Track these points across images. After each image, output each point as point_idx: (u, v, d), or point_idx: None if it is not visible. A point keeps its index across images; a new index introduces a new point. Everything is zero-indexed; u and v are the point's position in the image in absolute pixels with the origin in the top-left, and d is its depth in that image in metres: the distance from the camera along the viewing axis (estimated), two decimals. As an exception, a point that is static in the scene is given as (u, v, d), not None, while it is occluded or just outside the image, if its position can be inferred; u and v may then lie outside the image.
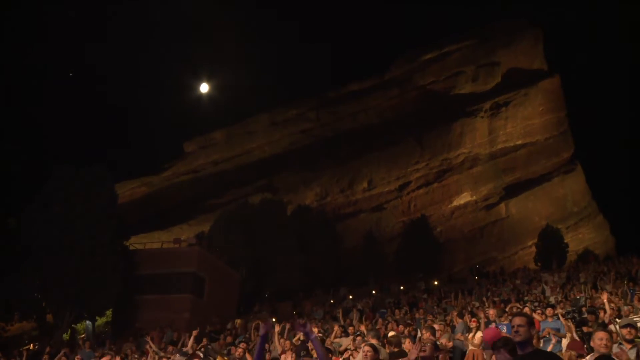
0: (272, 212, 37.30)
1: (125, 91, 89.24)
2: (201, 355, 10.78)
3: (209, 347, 12.02)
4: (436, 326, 9.93)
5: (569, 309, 12.18)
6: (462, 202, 62.16)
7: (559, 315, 10.47)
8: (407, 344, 8.73)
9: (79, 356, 14.10)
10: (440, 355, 6.82)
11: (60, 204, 23.98)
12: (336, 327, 12.97)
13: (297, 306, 31.94)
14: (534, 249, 50.24)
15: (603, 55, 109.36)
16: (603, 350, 5.59)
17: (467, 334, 10.48)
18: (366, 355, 5.59)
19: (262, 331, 4.55)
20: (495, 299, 17.99)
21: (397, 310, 18.64)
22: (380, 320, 15.32)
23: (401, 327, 12.76)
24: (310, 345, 9.28)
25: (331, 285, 38.49)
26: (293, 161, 60.29)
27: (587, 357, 6.91)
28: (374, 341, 8.04)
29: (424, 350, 5.46)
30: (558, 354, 6.50)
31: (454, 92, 67.25)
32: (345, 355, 9.61)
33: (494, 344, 4.74)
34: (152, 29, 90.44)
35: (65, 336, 24.54)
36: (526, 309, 12.04)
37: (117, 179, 36.08)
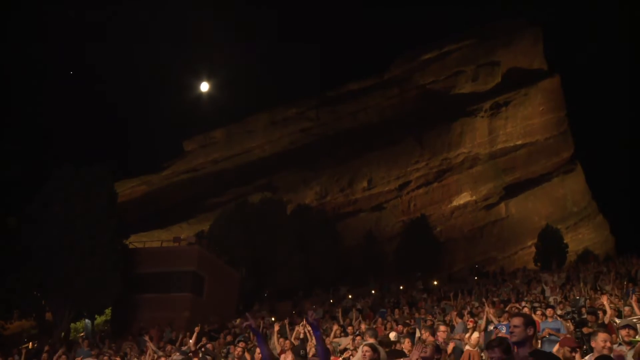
0: (271, 212, 37.30)
1: (125, 90, 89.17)
2: (200, 354, 10.79)
3: (207, 347, 12.01)
4: (442, 327, 9.91)
5: (569, 309, 12.19)
6: (462, 201, 62.18)
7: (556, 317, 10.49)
8: (406, 344, 8.72)
9: (79, 357, 14.09)
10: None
11: (60, 203, 23.99)
12: (336, 327, 12.98)
13: (297, 305, 31.93)
14: (533, 249, 50.25)
15: (603, 55, 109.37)
16: (605, 352, 5.58)
17: (464, 334, 10.48)
18: (365, 355, 5.59)
19: (244, 324, 4.56)
20: (495, 299, 17.98)
21: (396, 310, 18.63)
22: (380, 319, 15.32)
23: (400, 327, 12.76)
24: (309, 345, 9.27)
25: (331, 284, 38.50)
26: (293, 160, 60.30)
27: (587, 357, 6.91)
28: (371, 340, 8.04)
29: (425, 352, 5.45)
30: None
31: (454, 91, 67.27)
32: (345, 355, 9.61)
33: (488, 343, 4.75)
34: (152, 29, 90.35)
35: (72, 336, 24.59)
36: (526, 309, 12.04)
37: (117, 177, 36.08)
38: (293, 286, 35.84)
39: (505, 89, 66.57)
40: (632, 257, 30.56)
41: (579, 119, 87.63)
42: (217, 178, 60.87)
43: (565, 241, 48.72)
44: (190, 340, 12.54)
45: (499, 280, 31.97)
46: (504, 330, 9.44)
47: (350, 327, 13.38)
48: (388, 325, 13.49)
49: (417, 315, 16.64)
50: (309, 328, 12.04)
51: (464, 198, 62.25)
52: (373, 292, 35.23)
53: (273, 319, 22.01)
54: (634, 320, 9.58)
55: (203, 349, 11.25)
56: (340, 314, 18.62)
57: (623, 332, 7.45)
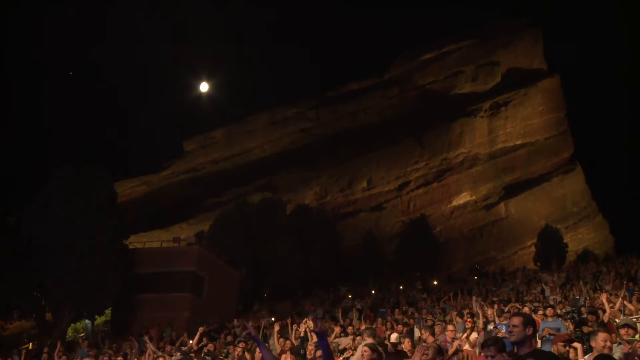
0: (271, 212, 37.31)
1: (125, 90, 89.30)
2: (202, 354, 10.81)
3: (209, 348, 12.02)
4: (450, 327, 9.94)
5: (569, 309, 12.21)
6: (461, 201, 62.18)
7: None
8: (406, 344, 8.74)
9: (79, 357, 14.12)
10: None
11: (60, 203, 24.02)
12: (336, 327, 12.99)
13: (297, 305, 31.93)
14: (533, 249, 50.24)
15: (603, 55, 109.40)
16: (605, 352, 5.60)
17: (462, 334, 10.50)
18: (363, 355, 5.59)
19: (244, 333, 4.58)
20: (495, 299, 18.00)
21: (396, 310, 18.65)
22: (380, 319, 15.34)
23: (400, 327, 12.77)
24: (311, 346, 9.28)
25: (331, 284, 38.48)
26: (293, 160, 60.29)
27: (586, 357, 6.93)
28: (369, 340, 8.04)
29: (427, 354, 5.44)
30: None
31: (453, 91, 67.28)
32: (346, 354, 9.62)
33: (484, 342, 4.78)
34: (152, 29, 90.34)
35: (69, 336, 24.59)
36: (525, 309, 12.06)
37: (117, 177, 36.11)
38: (293, 286, 35.82)
39: (505, 89, 66.57)
40: (632, 257, 30.60)
41: (579, 119, 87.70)
42: (217, 178, 60.85)
43: (565, 241, 48.70)
44: (191, 341, 12.56)
45: (498, 280, 31.99)
46: (503, 329, 9.46)
47: (350, 327, 13.39)
48: (388, 326, 13.50)
49: (417, 315, 16.65)
50: (310, 324, 12.05)
51: (463, 198, 62.25)
52: (373, 292, 35.24)
53: (273, 319, 22.03)
54: (634, 319, 9.61)
55: (205, 350, 11.26)
56: (340, 314, 18.64)
57: (622, 331, 7.48)
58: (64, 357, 14.41)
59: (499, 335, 8.18)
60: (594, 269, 28.39)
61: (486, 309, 12.29)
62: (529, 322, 4.39)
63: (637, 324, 7.93)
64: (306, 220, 41.59)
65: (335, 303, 30.03)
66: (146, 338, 14.95)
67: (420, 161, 61.87)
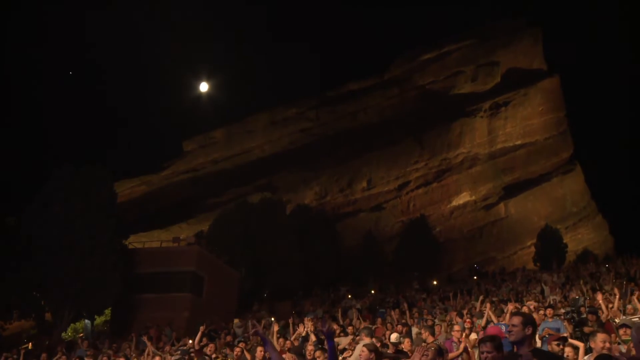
0: (271, 212, 37.30)
1: (124, 90, 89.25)
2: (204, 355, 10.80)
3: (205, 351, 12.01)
4: (457, 327, 9.93)
5: (568, 309, 12.21)
6: (461, 202, 62.20)
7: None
8: (406, 344, 8.74)
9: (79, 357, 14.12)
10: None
11: (60, 203, 24.02)
12: (335, 327, 12.97)
13: (296, 305, 31.93)
14: (533, 249, 50.26)
15: (603, 55, 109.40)
16: (605, 352, 5.61)
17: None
18: (360, 355, 5.60)
19: (252, 331, 4.59)
20: (495, 298, 18.01)
21: (397, 310, 18.64)
22: (380, 319, 15.33)
23: (399, 327, 12.77)
24: (310, 346, 9.28)
25: (330, 284, 38.49)
26: (292, 160, 60.29)
27: (587, 357, 6.94)
28: (367, 339, 8.05)
29: (427, 355, 5.43)
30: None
31: (453, 91, 67.29)
32: (345, 354, 9.63)
33: (481, 338, 4.80)
34: (152, 29, 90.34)
35: (64, 335, 24.58)
36: (525, 309, 12.06)
37: (117, 177, 36.12)
38: (292, 286, 35.82)
39: (504, 89, 66.58)
40: (632, 257, 30.64)
41: (579, 119, 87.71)
42: (217, 178, 60.85)
43: (564, 241, 48.73)
44: (190, 341, 12.54)
45: (498, 280, 32.00)
46: (503, 329, 9.45)
47: (350, 327, 13.40)
48: (389, 326, 13.49)
49: (416, 315, 16.65)
50: (309, 324, 12.05)
51: (463, 198, 62.26)
52: (372, 292, 35.26)
53: (272, 318, 22.01)
54: (634, 319, 9.60)
55: (208, 350, 11.25)
56: (339, 314, 18.64)
57: (621, 331, 7.49)
58: (63, 357, 14.42)
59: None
60: (594, 269, 28.43)
61: (489, 313, 12.26)
62: (528, 321, 4.40)
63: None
64: (306, 220, 41.60)
65: (335, 303, 30.04)
66: (145, 338, 14.94)
67: (420, 161, 61.88)
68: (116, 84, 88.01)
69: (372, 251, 46.28)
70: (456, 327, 9.83)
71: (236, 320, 20.71)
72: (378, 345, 8.37)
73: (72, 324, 26.07)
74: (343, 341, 11.34)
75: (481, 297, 16.27)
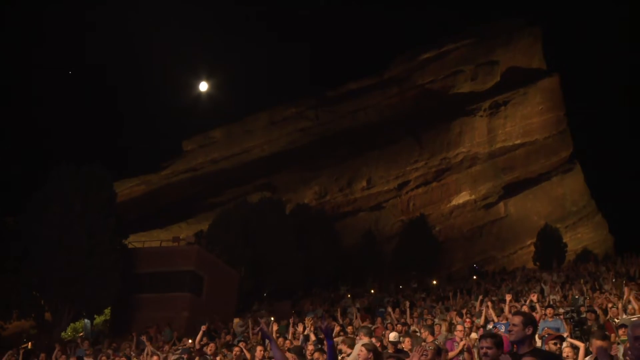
0: (271, 211, 37.31)
1: (124, 90, 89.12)
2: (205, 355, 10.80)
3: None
4: (460, 327, 9.91)
5: (568, 308, 12.21)
6: (461, 201, 62.20)
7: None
8: (406, 343, 8.73)
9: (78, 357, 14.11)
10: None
11: (60, 203, 24.01)
12: (335, 327, 12.95)
13: (296, 305, 31.93)
14: (532, 248, 50.29)
15: (603, 55, 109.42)
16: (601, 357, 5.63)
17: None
18: (359, 355, 5.60)
19: (257, 330, 4.58)
20: (494, 298, 18.00)
21: (397, 310, 18.62)
22: (379, 319, 15.32)
23: (399, 327, 12.76)
24: (310, 346, 9.27)
25: (330, 284, 38.49)
26: (292, 160, 60.27)
27: (587, 358, 6.94)
28: (365, 339, 8.03)
29: (426, 355, 5.42)
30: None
31: (453, 91, 67.28)
32: (343, 354, 9.60)
33: (482, 334, 4.80)
34: (151, 29, 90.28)
35: (64, 334, 24.59)
36: (525, 308, 12.06)
37: (116, 177, 36.10)
38: (292, 286, 35.83)
39: (504, 88, 66.57)
40: (631, 257, 30.62)
41: (578, 118, 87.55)
42: (217, 178, 60.83)
43: (564, 240, 48.78)
44: (190, 340, 12.53)
45: (497, 280, 32.00)
46: (502, 329, 9.46)
47: (350, 327, 13.39)
48: (389, 326, 13.49)
49: (416, 315, 16.65)
50: (310, 324, 12.05)
51: (463, 197, 62.27)
52: (372, 291, 35.23)
53: (272, 318, 22.00)
54: (633, 319, 9.60)
55: (209, 350, 11.24)
56: (339, 314, 18.63)
57: (620, 332, 7.49)
58: (63, 356, 14.41)
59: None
60: (593, 268, 28.42)
61: (490, 312, 12.26)
62: (529, 321, 4.40)
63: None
64: (305, 220, 41.60)
65: (335, 302, 30.03)
66: (144, 338, 14.95)
67: (420, 160, 61.88)
68: (116, 83, 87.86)
69: (371, 251, 46.28)
70: (459, 327, 9.82)
71: (237, 320, 20.72)
72: (377, 345, 8.37)
73: (71, 324, 26.09)
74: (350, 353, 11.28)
75: (480, 297, 16.27)
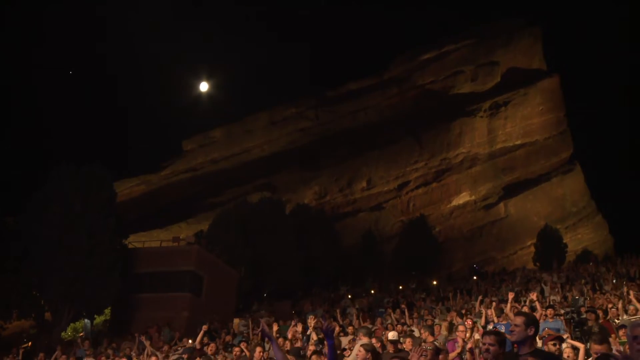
0: (270, 211, 37.29)
1: (124, 90, 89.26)
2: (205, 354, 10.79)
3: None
4: (462, 327, 9.90)
5: (568, 309, 12.21)
6: (461, 201, 62.21)
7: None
8: (407, 344, 8.73)
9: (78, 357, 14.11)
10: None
11: (59, 203, 23.99)
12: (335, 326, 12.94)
13: (296, 305, 31.91)
14: (532, 249, 50.26)
15: (603, 55, 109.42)
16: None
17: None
18: (358, 355, 5.60)
19: (258, 330, 4.58)
20: (494, 298, 18.00)
21: (397, 310, 18.62)
22: (379, 319, 15.32)
23: (399, 327, 12.76)
24: (311, 347, 9.27)
25: (330, 284, 38.49)
26: (292, 160, 60.28)
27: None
28: (365, 339, 8.04)
29: (425, 356, 5.42)
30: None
31: (453, 91, 67.29)
32: (345, 354, 9.63)
33: (485, 331, 4.80)
34: (151, 29, 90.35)
35: (64, 334, 24.58)
36: (525, 309, 12.06)
37: (116, 177, 36.10)
38: (292, 286, 35.82)
39: (504, 88, 66.58)
40: (632, 257, 30.62)
41: (578, 119, 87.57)
42: (216, 178, 60.83)
43: (564, 241, 48.72)
44: (190, 340, 12.52)
45: (497, 280, 32.00)
46: (503, 329, 9.46)
47: (350, 327, 13.38)
48: (389, 326, 13.48)
49: (415, 315, 16.64)
50: (312, 324, 12.04)
51: (463, 198, 62.28)
52: (372, 291, 35.22)
53: (272, 318, 21.98)
54: (632, 320, 9.60)
55: (209, 350, 11.23)
56: (339, 314, 18.61)
57: (620, 332, 7.49)
58: (63, 356, 14.41)
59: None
60: (594, 269, 28.43)
61: (491, 312, 12.25)
62: (530, 322, 4.39)
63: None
64: (305, 220, 41.58)
65: (335, 303, 30.02)
66: (143, 338, 14.94)
67: (420, 161, 61.89)
68: (116, 84, 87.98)
69: (371, 251, 46.28)
70: (461, 328, 9.82)
71: (237, 320, 20.71)
72: (377, 345, 8.38)
73: (71, 324, 26.08)
74: (342, 341, 11.34)
75: (480, 298, 16.27)
